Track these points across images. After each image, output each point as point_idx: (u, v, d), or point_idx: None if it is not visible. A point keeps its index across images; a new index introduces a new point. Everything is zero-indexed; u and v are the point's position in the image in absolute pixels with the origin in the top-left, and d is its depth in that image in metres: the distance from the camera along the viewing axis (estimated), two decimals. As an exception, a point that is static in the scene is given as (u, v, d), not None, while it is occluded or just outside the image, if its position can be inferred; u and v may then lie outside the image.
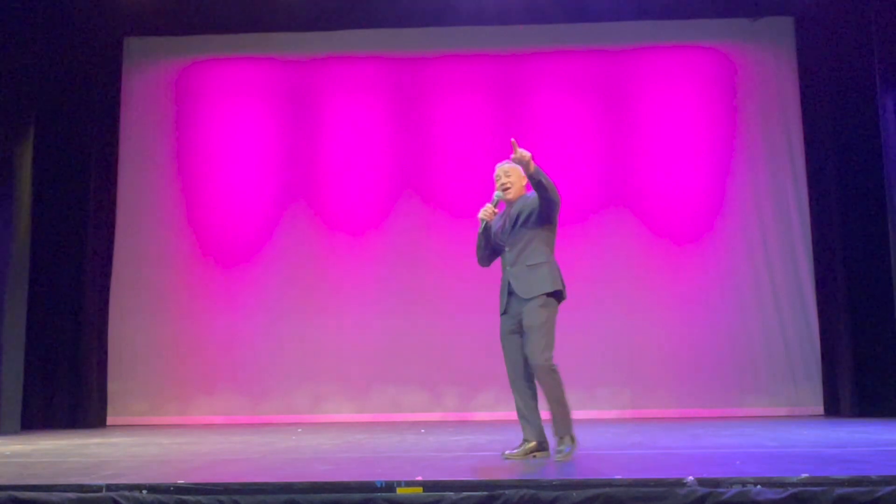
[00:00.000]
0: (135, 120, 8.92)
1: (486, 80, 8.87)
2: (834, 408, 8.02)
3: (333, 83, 8.98)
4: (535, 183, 4.32)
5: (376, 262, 8.65)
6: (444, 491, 3.29)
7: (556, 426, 4.38)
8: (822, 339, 8.24)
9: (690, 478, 3.28)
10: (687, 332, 8.37)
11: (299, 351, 8.53)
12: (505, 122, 8.59)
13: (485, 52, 8.90)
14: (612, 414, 8.21)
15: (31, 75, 7.88)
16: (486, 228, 4.58)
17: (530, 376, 4.47)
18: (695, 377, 8.30)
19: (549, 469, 3.94)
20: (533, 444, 4.44)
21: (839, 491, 3.17)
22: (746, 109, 8.69)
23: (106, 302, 8.56)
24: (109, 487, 3.39)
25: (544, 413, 4.51)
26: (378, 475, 3.54)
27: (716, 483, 3.26)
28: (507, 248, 4.53)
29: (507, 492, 3.24)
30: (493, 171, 4.65)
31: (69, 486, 3.45)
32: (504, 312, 4.54)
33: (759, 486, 3.23)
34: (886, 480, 3.23)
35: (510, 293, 4.49)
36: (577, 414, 7.95)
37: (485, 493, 3.25)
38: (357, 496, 3.29)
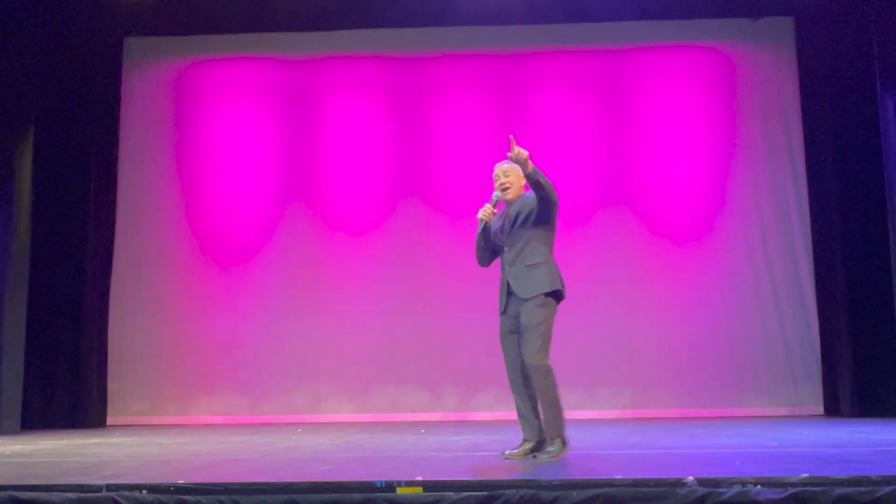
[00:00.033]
0: (135, 120, 8.92)
1: (486, 80, 8.87)
2: (834, 408, 8.03)
3: (333, 83, 8.98)
4: (533, 183, 4.32)
5: (376, 262, 8.65)
6: (444, 491, 3.29)
7: (547, 427, 4.37)
8: (822, 339, 8.24)
9: (690, 478, 3.28)
10: (687, 332, 8.37)
11: (299, 351, 8.53)
12: (505, 122, 8.58)
13: (485, 52, 8.90)
14: (612, 414, 8.22)
15: (31, 75, 7.88)
16: (486, 229, 4.58)
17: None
18: (695, 377, 8.30)
19: (549, 469, 3.93)
20: (533, 443, 4.44)
21: (839, 491, 3.17)
22: (746, 109, 8.69)
23: (106, 302, 8.57)
24: (109, 487, 3.39)
25: (545, 413, 4.50)
26: (378, 475, 3.54)
27: (716, 483, 3.26)
28: (506, 248, 4.53)
29: (507, 492, 3.24)
30: (493, 171, 4.65)
31: (69, 486, 3.45)
32: (503, 312, 4.54)
33: (759, 486, 3.23)
34: (886, 480, 3.23)
35: (509, 293, 4.49)
36: (577, 414, 8.05)
37: (485, 493, 3.25)
38: (357, 496, 3.29)
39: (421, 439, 5.95)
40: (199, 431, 7.32)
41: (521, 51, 8.87)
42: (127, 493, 3.35)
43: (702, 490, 3.20)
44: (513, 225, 4.49)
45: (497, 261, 4.67)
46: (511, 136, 4.33)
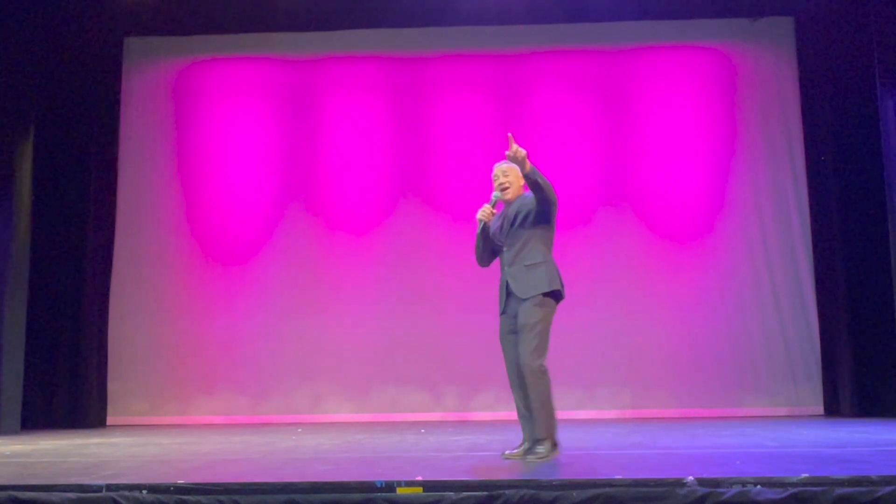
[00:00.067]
0: (135, 120, 8.92)
1: (486, 80, 8.87)
2: (834, 408, 8.03)
3: (333, 83, 8.98)
4: (532, 183, 4.31)
5: (376, 262, 8.65)
6: (444, 491, 3.28)
7: (538, 428, 4.33)
8: (822, 339, 8.24)
9: (690, 478, 3.28)
10: (687, 332, 8.37)
11: (299, 351, 8.53)
12: (505, 122, 8.58)
13: (485, 52, 8.90)
14: (612, 414, 8.22)
15: (31, 75, 7.88)
16: (485, 229, 4.58)
17: (529, 376, 4.45)
18: (695, 377, 8.30)
19: (549, 469, 3.93)
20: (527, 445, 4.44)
21: (839, 491, 3.17)
22: (746, 109, 8.69)
23: (106, 302, 8.57)
24: (109, 487, 3.39)
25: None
26: (378, 475, 3.54)
27: (716, 483, 3.26)
28: (505, 249, 4.53)
29: (507, 492, 3.24)
30: (492, 171, 4.65)
31: (69, 486, 3.45)
32: (503, 312, 4.53)
33: (759, 486, 3.22)
34: (886, 480, 3.23)
35: (508, 293, 4.48)
36: (576, 414, 8.06)
37: (485, 493, 3.25)
38: (357, 496, 3.29)
39: (421, 439, 5.95)
40: (199, 431, 7.32)
41: (521, 51, 8.87)
42: (127, 493, 3.35)
43: (702, 490, 3.20)
44: (512, 225, 4.49)
45: (497, 261, 4.67)
46: (509, 134, 4.32)
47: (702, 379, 8.29)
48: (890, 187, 7.25)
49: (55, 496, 3.34)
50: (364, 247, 8.69)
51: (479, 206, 4.56)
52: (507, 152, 4.26)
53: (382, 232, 8.71)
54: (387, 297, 8.57)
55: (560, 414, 7.60)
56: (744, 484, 3.25)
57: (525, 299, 4.38)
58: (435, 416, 8.30)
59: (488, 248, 4.64)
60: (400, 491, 3.31)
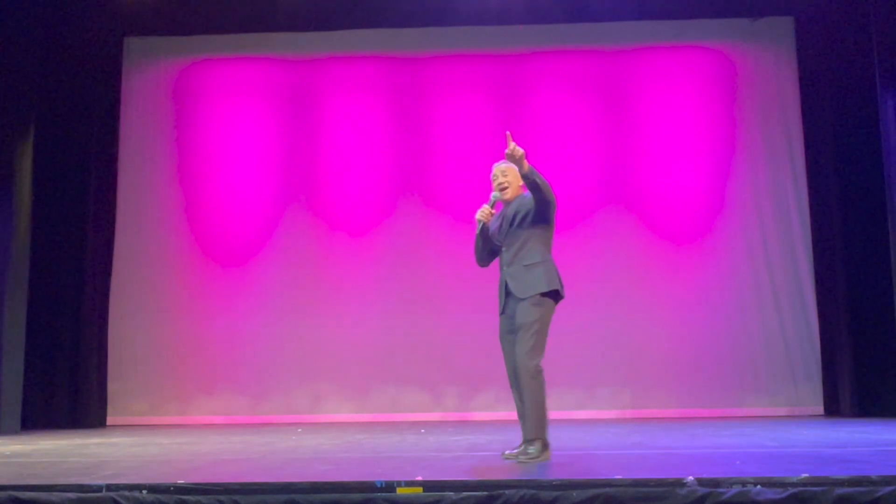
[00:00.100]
0: (135, 120, 8.92)
1: (486, 80, 8.87)
2: (834, 408, 8.03)
3: (333, 83, 8.98)
4: (529, 183, 4.30)
5: (376, 262, 8.65)
6: (444, 491, 3.28)
7: (530, 428, 4.29)
8: (822, 339, 8.24)
9: (690, 478, 3.28)
10: (687, 332, 8.37)
11: (299, 351, 8.53)
12: (505, 122, 8.57)
13: (485, 52, 8.90)
14: (612, 414, 8.22)
15: (31, 75, 7.88)
16: (484, 229, 4.57)
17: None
18: (695, 377, 8.29)
19: (549, 469, 3.93)
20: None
21: (839, 491, 3.17)
22: (746, 109, 8.69)
23: (106, 302, 8.57)
24: (109, 487, 3.39)
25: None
26: (378, 475, 3.54)
27: (716, 483, 3.26)
28: (504, 249, 4.52)
29: (507, 492, 3.23)
30: (491, 171, 4.65)
31: (69, 486, 3.45)
32: (502, 312, 4.52)
33: (759, 486, 3.22)
34: (886, 480, 3.22)
35: (507, 293, 4.47)
36: (576, 414, 8.06)
37: (485, 493, 3.25)
38: (357, 496, 3.29)
39: (421, 439, 5.95)
40: (199, 431, 7.32)
41: (521, 51, 8.87)
42: (127, 493, 3.35)
43: (702, 490, 3.20)
44: (510, 225, 4.48)
45: (497, 261, 4.66)
46: (507, 133, 4.32)
47: (702, 379, 8.29)
48: (890, 187, 7.24)
49: (55, 496, 3.34)
50: (364, 247, 8.69)
51: (479, 206, 4.56)
52: (505, 150, 4.26)
53: (382, 232, 8.71)
54: (387, 297, 8.57)
55: (560, 414, 7.69)
56: (744, 484, 3.25)
57: (523, 299, 4.37)
58: (435, 416, 8.30)
59: (487, 249, 4.64)
60: (400, 491, 3.31)
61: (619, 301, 8.43)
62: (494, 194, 4.55)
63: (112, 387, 8.49)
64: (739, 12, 8.66)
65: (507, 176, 4.55)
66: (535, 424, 4.29)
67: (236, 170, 8.91)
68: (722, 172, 8.64)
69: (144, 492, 3.36)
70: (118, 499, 3.32)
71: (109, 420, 8.41)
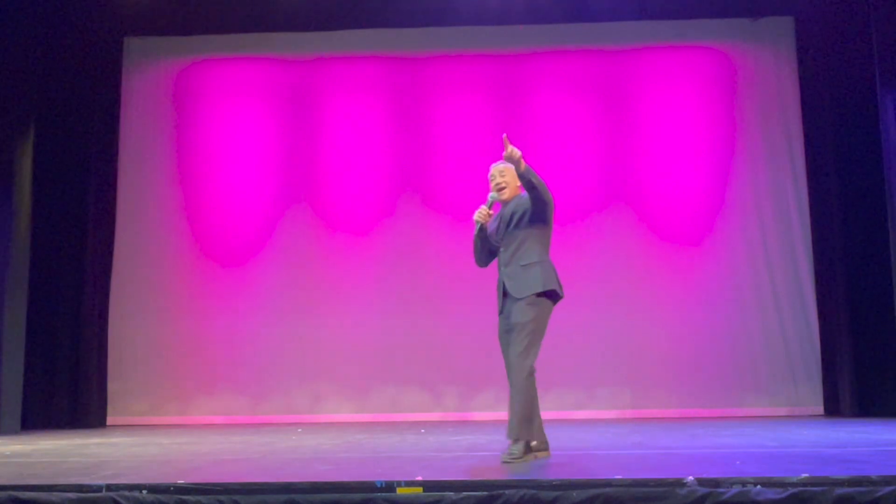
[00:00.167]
0: (135, 120, 8.92)
1: (486, 80, 8.87)
2: (834, 408, 8.03)
3: (333, 83, 8.98)
4: (526, 182, 4.31)
5: (376, 262, 8.65)
6: (444, 491, 3.28)
7: (515, 429, 4.24)
8: (822, 339, 8.24)
9: (690, 478, 3.28)
10: (687, 332, 8.37)
11: (299, 351, 8.53)
12: (505, 122, 8.58)
13: (485, 52, 8.90)
14: (612, 414, 8.21)
15: (31, 75, 7.88)
16: (482, 230, 4.57)
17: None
18: (695, 377, 8.29)
19: (549, 469, 3.93)
20: (533, 443, 4.42)
21: (839, 491, 3.17)
22: (746, 109, 8.69)
23: (106, 302, 8.57)
24: (109, 487, 3.39)
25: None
26: (378, 475, 3.54)
27: (716, 483, 3.26)
28: (501, 249, 4.51)
29: (507, 492, 3.24)
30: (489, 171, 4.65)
31: (69, 486, 3.45)
32: (501, 312, 4.52)
33: (759, 486, 3.22)
34: (886, 480, 3.23)
35: (505, 293, 4.47)
36: (576, 414, 8.06)
37: (485, 493, 3.25)
38: (357, 496, 3.29)
39: (421, 439, 5.95)
40: (199, 431, 7.32)
41: (521, 51, 8.87)
42: (127, 493, 3.35)
43: (702, 490, 3.20)
44: (508, 225, 4.48)
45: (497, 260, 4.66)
46: (504, 136, 4.31)
47: (702, 379, 8.29)
48: (890, 187, 7.24)
49: (55, 496, 3.34)
50: (364, 247, 8.69)
51: (479, 206, 4.56)
52: (503, 152, 4.27)
53: (382, 232, 8.71)
54: (387, 297, 8.57)
55: (560, 414, 7.69)
56: (744, 484, 3.25)
57: (519, 299, 4.36)
58: (435, 416, 8.30)
59: (486, 249, 4.63)
60: (400, 491, 3.31)
61: (619, 301, 8.43)
62: (492, 195, 4.55)
63: (112, 387, 8.49)
64: (739, 12, 8.66)
65: (504, 176, 4.54)
66: (520, 425, 4.24)
67: (236, 170, 8.91)
68: (722, 172, 8.64)
69: (144, 492, 3.36)
70: (118, 499, 3.32)
71: (109, 420, 8.41)
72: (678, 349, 8.34)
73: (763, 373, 8.30)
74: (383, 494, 3.29)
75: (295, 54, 9.00)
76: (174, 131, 8.96)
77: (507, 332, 4.46)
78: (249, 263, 8.73)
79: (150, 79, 9.01)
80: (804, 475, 3.30)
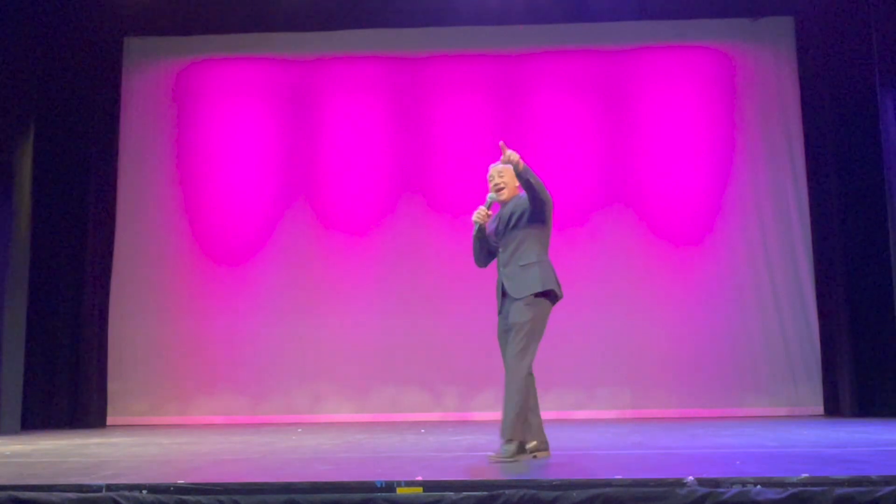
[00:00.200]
0: (135, 120, 8.92)
1: (486, 80, 8.87)
2: (834, 408, 8.03)
3: (333, 83, 8.98)
4: (524, 182, 4.31)
5: (376, 262, 8.65)
6: (444, 491, 3.28)
7: (508, 429, 4.21)
8: (822, 339, 8.24)
9: (690, 478, 3.28)
10: (687, 333, 8.37)
11: (299, 351, 8.53)
12: (505, 122, 8.59)
13: (485, 52, 8.90)
14: (612, 414, 8.21)
15: (31, 75, 7.88)
16: (481, 230, 4.56)
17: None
18: (695, 377, 8.29)
19: (549, 469, 3.94)
20: (533, 443, 4.42)
21: (839, 491, 3.17)
22: (746, 109, 8.69)
23: (106, 302, 8.57)
24: (109, 487, 3.39)
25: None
26: (378, 475, 3.54)
27: (716, 483, 3.26)
28: (500, 249, 4.51)
29: (507, 492, 3.24)
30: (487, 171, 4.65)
31: (69, 486, 3.45)
32: (500, 312, 4.52)
33: (759, 486, 3.22)
34: (886, 480, 3.23)
35: (504, 293, 4.47)
36: (576, 414, 8.06)
37: (485, 493, 3.25)
38: (357, 496, 3.29)
39: (421, 439, 5.95)
40: (199, 431, 7.32)
41: (521, 51, 8.87)
42: (127, 493, 3.35)
43: (702, 490, 3.20)
44: (506, 226, 4.48)
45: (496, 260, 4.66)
46: (501, 143, 4.32)
47: (702, 379, 8.29)
48: (890, 187, 7.24)
49: (55, 496, 3.34)
50: (364, 247, 8.69)
51: (480, 205, 4.56)
52: (501, 158, 4.28)
53: (382, 232, 8.71)
54: (387, 297, 8.57)
55: (560, 414, 7.70)
56: (744, 484, 3.25)
57: (517, 299, 4.36)
58: (435, 416, 8.30)
59: (485, 250, 4.63)
60: (400, 491, 3.31)
61: (619, 301, 8.43)
62: (491, 195, 4.55)
63: (112, 387, 8.49)
64: (739, 12, 8.66)
65: (503, 177, 4.54)
66: (513, 425, 4.21)
67: (236, 170, 8.91)
68: (722, 172, 8.63)
69: (144, 492, 3.36)
70: (118, 499, 3.32)
71: (109, 420, 8.41)
72: (678, 349, 8.34)
73: (763, 373, 8.29)
74: (383, 494, 3.29)
75: (295, 54, 9.00)
76: (174, 131, 8.96)
77: (505, 332, 4.46)
78: (249, 263, 8.73)
79: (150, 79, 9.01)
80: (804, 475, 3.30)
